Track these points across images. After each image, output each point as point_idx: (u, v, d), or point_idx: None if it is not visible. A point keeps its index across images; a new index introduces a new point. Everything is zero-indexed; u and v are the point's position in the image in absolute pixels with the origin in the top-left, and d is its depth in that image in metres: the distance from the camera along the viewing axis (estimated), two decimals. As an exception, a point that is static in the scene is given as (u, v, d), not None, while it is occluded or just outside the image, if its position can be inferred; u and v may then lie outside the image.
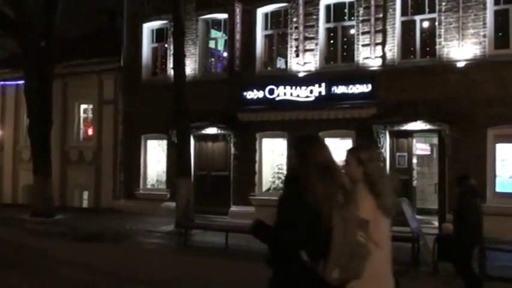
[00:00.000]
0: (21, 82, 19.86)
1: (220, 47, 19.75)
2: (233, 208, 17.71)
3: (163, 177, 19.48)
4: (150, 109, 18.91)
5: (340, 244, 3.45)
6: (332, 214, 3.50)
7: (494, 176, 14.48)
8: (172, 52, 17.23)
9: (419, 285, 9.27)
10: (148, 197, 19.14)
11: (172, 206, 16.11)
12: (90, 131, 22.04)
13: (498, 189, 14.40)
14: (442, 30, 15.16)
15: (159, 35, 20.24)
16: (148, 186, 19.86)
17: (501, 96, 14.12)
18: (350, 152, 4.01)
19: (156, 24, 20.13)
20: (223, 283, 9.05)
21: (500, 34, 14.84)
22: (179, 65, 15.96)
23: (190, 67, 18.58)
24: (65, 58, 20.25)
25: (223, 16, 18.73)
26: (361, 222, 3.53)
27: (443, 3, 15.15)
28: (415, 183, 16.74)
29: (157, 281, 9.10)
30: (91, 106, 21.91)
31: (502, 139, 14.48)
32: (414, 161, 16.62)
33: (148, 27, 20.33)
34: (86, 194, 21.63)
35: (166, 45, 19.70)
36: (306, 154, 3.70)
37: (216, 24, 19.41)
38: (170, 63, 18.35)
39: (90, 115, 22.03)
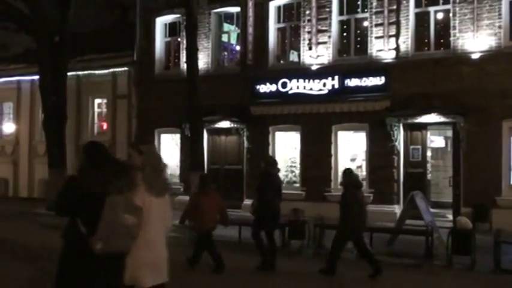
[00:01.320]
0: (36, 77, 19.97)
1: (233, 41, 19.72)
2: (246, 202, 17.71)
3: (177, 171, 19.53)
4: (164, 103, 18.97)
5: (105, 223, 4.42)
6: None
7: (510, 169, 14.33)
8: (185, 46, 17.25)
9: (433, 278, 9.23)
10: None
11: (186, 199, 16.14)
12: (104, 126, 22.16)
13: (514, 181, 14.27)
14: (457, 22, 15.00)
15: (172, 29, 20.26)
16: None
17: (516, 88, 13.97)
18: (132, 146, 5.09)
19: (169, 18, 20.15)
20: (236, 275, 9.07)
21: (515, 25, 14.65)
22: (192, 59, 15.97)
23: (203, 61, 18.59)
24: (79, 53, 20.37)
25: (235, 9, 18.70)
26: (133, 206, 4.43)
27: (458, -6, 14.99)
28: (429, 176, 16.69)
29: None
30: (105, 101, 22.04)
31: (517, 131, 14.34)
32: (428, 154, 16.54)
33: (161, 22, 20.36)
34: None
35: (179, 39, 19.72)
36: (89, 156, 4.96)
37: (229, 17, 19.39)
38: (183, 57, 18.38)
39: (104, 110, 22.15)
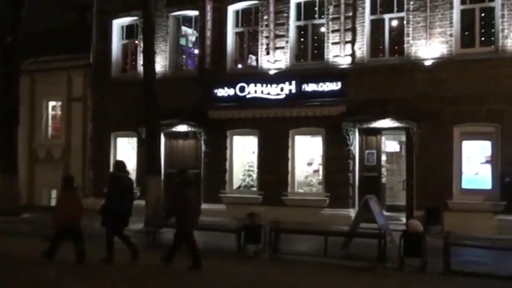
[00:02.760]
0: (-13, 78, 19.38)
1: (191, 44, 19.64)
2: (203, 206, 17.57)
3: (133, 176, 19.23)
4: (120, 106, 18.73)
5: None
6: None
7: (461, 173, 14.73)
8: (142, 49, 17.08)
9: (385, 281, 9.37)
10: (118, 195, 18.88)
11: (141, 204, 15.94)
12: (58, 129, 21.70)
13: (464, 185, 14.66)
14: (410, 29, 15.36)
15: (129, 32, 20.05)
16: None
17: (467, 95, 14.38)
18: None
19: (126, 20, 19.92)
20: (190, 280, 9.01)
21: (466, 33, 15.09)
22: (149, 62, 15.84)
23: (161, 64, 18.46)
24: (33, 54, 19.90)
25: (194, 13, 18.63)
26: None
27: (411, 3, 15.35)
28: (384, 180, 17.01)
29: (122, 279, 9.03)
30: (59, 103, 21.60)
31: (467, 136, 14.76)
32: (383, 158, 16.86)
33: (118, 24, 20.12)
34: (54, 193, 21.27)
35: (136, 42, 19.54)
36: None
37: (187, 21, 19.30)
38: (140, 60, 18.23)
39: (59, 112, 21.70)
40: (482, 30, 15.03)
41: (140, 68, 17.88)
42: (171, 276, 9.37)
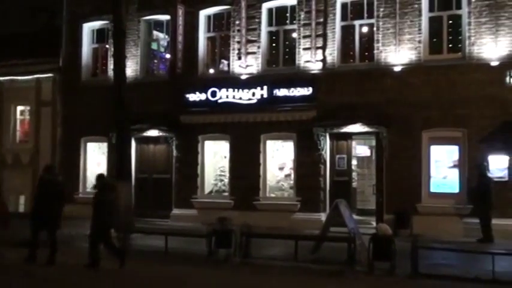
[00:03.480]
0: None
1: (163, 49, 19.55)
2: (175, 211, 17.57)
3: (104, 181, 19.04)
4: (90, 111, 18.51)
5: None
6: None
7: (429, 177, 14.96)
8: (112, 53, 16.92)
9: (354, 284, 9.45)
10: (87, 201, 18.24)
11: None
12: (27, 134, 21.33)
13: (432, 189, 14.91)
14: (380, 36, 15.57)
15: (100, 36, 19.87)
16: (88, 190, 19.32)
17: (435, 100, 14.64)
18: None
19: (97, 24, 19.75)
20: (157, 286, 8.95)
21: (434, 40, 15.37)
22: (120, 66, 15.70)
23: (132, 68, 18.35)
24: (1, 58, 19.54)
25: (165, 17, 18.58)
26: None
27: (381, 9, 15.56)
28: (354, 184, 17.15)
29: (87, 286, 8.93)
30: (28, 108, 21.24)
31: (435, 141, 15.01)
32: (354, 162, 17.01)
33: (89, 27, 19.92)
34: (22, 199, 20.89)
35: (107, 46, 19.36)
36: None
37: (159, 25, 19.22)
38: (111, 64, 18.06)
39: (27, 117, 21.33)
40: (450, 37, 15.32)
41: (111, 73, 17.73)
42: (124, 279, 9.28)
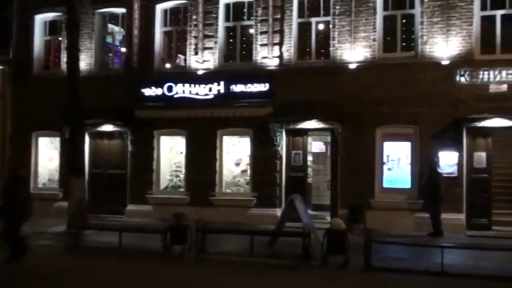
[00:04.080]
0: None
1: (118, 42, 19.22)
2: (130, 207, 17.35)
3: (56, 176, 18.67)
4: (42, 105, 18.01)
5: None
6: None
7: (382, 173, 15.27)
8: (66, 46, 16.53)
9: (309, 278, 9.56)
10: (39, 197, 17.82)
11: (65, 206, 15.46)
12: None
13: (385, 185, 15.21)
14: (336, 33, 15.75)
15: (53, 28, 19.34)
16: (40, 186, 18.93)
17: (388, 97, 14.92)
18: None
19: (50, 16, 19.22)
20: (110, 282, 8.83)
21: (388, 38, 15.66)
22: (73, 59, 15.35)
23: (86, 62, 17.97)
24: None
25: (121, 11, 18.25)
26: None
27: (337, 7, 15.75)
28: (310, 180, 17.34)
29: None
30: (-24, 100, 20.50)
31: (389, 138, 15.31)
32: (309, 158, 17.20)
33: (41, 19, 19.37)
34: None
35: (60, 38, 18.89)
36: None
37: (114, 18, 18.87)
38: (64, 57, 17.67)
39: (-24, 110, 20.59)
40: (403, 36, 15.64)
41: (64, 66, 17.33)
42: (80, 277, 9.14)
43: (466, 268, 9.82)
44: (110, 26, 19.03)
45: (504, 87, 14.29)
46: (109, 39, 19.16)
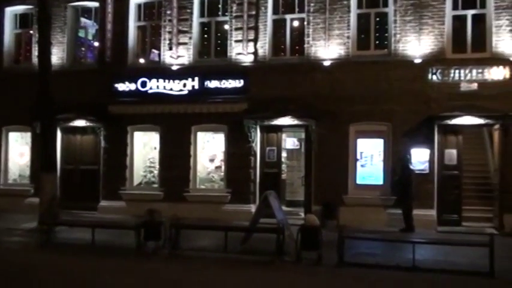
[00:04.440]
0: None
1: (91, 37, 18.97)
2: (103, 203, 17.18)
3: (27, 172, 18.39)
4: (13, 99, 17.71)
5: None
6: None
7: (355, 169, 15.42)
8: (37, 39, 16.25)
9: (282, 273, 9.61)
10: (9, 193, 17.90)
11: (36, 202, 15.21)
12: None
13: (358, 181, 15.37)
14: (310, 30, 15.83)
15: (24, 21, 19.01)
16: (10, 181, 18.63)
17: (361, 95, 15.07)
18: None
19: (20, 8, 18.89)
20: (83, 279, 8.75)
21: (362, 36, 15.79)
22: (45, 53, 15.06)
23: (58, 56, 17.72)
24: None
25: (94, 4, 18.03)
26: None
27: (312, 4, 15.82)
28: (284, 176, 17.42)
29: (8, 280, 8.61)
30: None
31: (362, 134, 15.48)
32: (284, 155, 17.28)
33: (11, 12, 19.03)
34: None
35: (31, 32, 18.58)
36: None
37: (87, 12, 18.61)
38: (35, 51, 17.38)
39: None
40: (377, 34, 15.80)
41: (35, 60, 17.04)
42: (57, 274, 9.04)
43: (436, 263, 10.00)
44: (83, 19, 18.76)
45: (474, 85, 14.56)
46: (82, 34, 18.90)
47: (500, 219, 14.01)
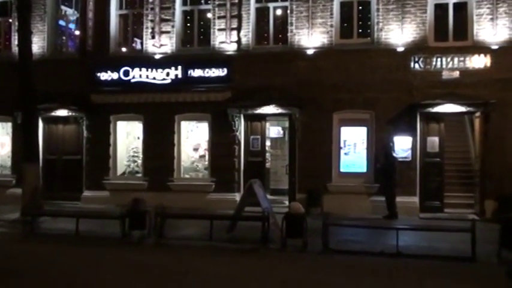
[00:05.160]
0: None
1: (72, 25, 18.72)
2: (86, 193, 17.07)
3: (8, 163, 18.17)
4: (-8, 89, 17.45)
5: None
6: None
7: (339, 157, 15.51)
8: (17, 28, 16.00)
9: (268, 261, 9.68)
10: (-10, 183, 17.72)
11: (18, 192, 15.08)
12: None
13: (342, 169, 15.47)
14: (294, 19, 15.81)
15: (3, 9, 18.63)
16: (-9, 172, 18.41)
17: (345, 83, 15.14)
18: None
19: (-1, -4, 18.57)
20: (69, 269, 8.71)
21: (345, 25, 15.83)
22: (24, 42, 14.88)
23: (38, 45, 17.47)
24: None
25: (74, -8, 17.80)
26: None
27: (295, -7, 15.80)
28: (268, 165, 17.48)
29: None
30: None
31: (345, 123, 15.56)
32: (267, 143, 17.31)
33: (-10, 0, 18.70)
34: None
35: (10, 20, 18.26)
36: None
37: (67, 0, 18.36)
38: (15, 40, 17.10)
39: None
40: (360, 23, 15.83)
41: (15, 49, 16.76)
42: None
43: (420, 249, 10.15)
44: (63, 8, 18.48)
45: (456, 73, 14.70)
46: (62, 22, 18.64)
47: (481, 205, 14.25)
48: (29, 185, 14.31)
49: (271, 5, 16.36)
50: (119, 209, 12.49)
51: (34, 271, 8.63)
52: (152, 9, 16.77)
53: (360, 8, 15.79)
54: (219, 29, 16.33)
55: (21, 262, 9.23)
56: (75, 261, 9.32)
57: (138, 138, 17.32)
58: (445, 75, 14.78)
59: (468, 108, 14.46)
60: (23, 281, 8.02)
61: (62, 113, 17.25)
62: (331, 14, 15.56)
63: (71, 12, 18.48)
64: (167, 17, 16.75)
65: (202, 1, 16.93)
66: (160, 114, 16.51)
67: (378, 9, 15.19)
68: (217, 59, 16.23)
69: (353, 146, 15.57)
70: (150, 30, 16.80)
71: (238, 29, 16.18)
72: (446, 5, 15.14)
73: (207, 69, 16.19)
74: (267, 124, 16.76)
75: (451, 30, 15.03)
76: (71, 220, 12.12)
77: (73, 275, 8.43)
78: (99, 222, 12.46)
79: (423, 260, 9.56)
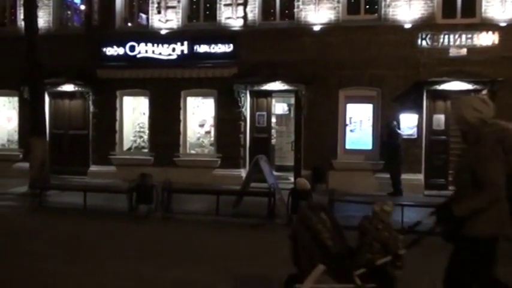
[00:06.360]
0: None
1: (77, 0, 18.61)
2: (93, 168, 17.20)
3: (15, 137, 18.28)
4: (-1, 63, 17.47)
5: None
6: None
7: (344, 134, 15.55)
8: (22, 2, 15.94)
9: (273, 235, 9.77)
10: (-4, 159, 17.85)
11: (25, 166, 15.22)
12: None
13: (347, 146, 15.53)
14: (301, -6, 15.70)
15: (8, -17, 18.59)
16: (-3, 148, 18.54)
17: (351, 60, 15.08)
18: None
19: (4, -30, 18.46)
20: (79, 241, 8.85)
21: (352, 1, 15.70)
22: (30, 16, 14.83)
23: (44, 19, 17.40)
24: None
25: (80, -34, 17.68)
26: None
27: (302, -32, 15.65)
28: (273, 141, 17.54)
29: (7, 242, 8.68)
30: None
31: (351, 99, 15.55)
32: (273, 120, 17.35)
33: (-4, -26, 18.59)
34: None
35: (16, -6, 18.19)
36: None
37: (73, -26, 18.26)
38: (21, 14, 17.05)
39: None
40: (368, -2, 15.74)
41: (21, 23, 16.73)
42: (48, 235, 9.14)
43: (424, 226, 10.18)
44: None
45: (464, 51, 14.63)
46: (68, -4, 18.53)
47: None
48: (37, 159, 14.43)
49: (278, -20, 16.23)
50: (125, 183, 12.62)
51: (46, 242, 8.75)
52: (158, -17, 16.65)
53: (368, -17, 15.66)
54: (225, 4, 16.23)
55: (33, 233, 9.35)
56: (85, 233, 9.46)
57: (144, 113, 17.36)
58: (453, 52, 14.70)
59: (475, 86, 14.40)
60: (33, 246, 8.13)
61: (68, 88, 17.29)
62: (340, -11, 15.42)
63: (76, -13, 18.36)
64: (173, -8, 16.65)
65: (209, -24, 16.80)
66: (166, 90, 16.53)
67: (385, -15, 15.06)
68: (224, 34, 16.17)
69: (359, 123, 15.60)
70: (156, 5, 16.71)
71: (245, 4, 16.08)
72: (455, -19, 15.00)
73: (213, 45, 16.14)
74: (273, 100, 16.77)
75: (459, 7, 14.91)
76: (78, 194, 12.23)
77: (85, 245, 8.55)
78: (106, 196, 12.57)
79: (428, 236, 9.60)
